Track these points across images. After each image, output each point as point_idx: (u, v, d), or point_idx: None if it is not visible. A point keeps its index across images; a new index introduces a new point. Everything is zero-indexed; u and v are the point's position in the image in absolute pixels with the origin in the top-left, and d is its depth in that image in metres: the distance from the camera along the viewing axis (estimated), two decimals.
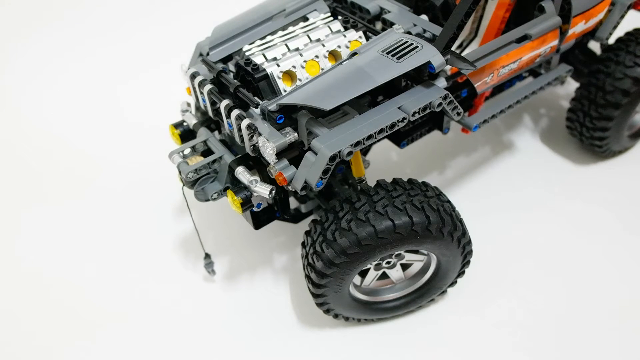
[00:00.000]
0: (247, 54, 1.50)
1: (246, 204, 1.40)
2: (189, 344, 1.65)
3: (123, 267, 1.87)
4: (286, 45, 1.48)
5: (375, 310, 1.59)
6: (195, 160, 1.48)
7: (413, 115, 1.33)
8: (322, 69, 1.46)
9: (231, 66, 1.59)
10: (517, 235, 1.85)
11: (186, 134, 1.65)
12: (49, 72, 2.77)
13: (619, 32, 1.97)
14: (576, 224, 1.87)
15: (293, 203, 1.72)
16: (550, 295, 1.69)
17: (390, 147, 2.20)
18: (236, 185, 1.43)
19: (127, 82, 2.68)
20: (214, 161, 1.46)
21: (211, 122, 1.63)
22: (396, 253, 1.46)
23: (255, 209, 1.45)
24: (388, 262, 1.50)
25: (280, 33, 1.55)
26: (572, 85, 2.35)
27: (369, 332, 1.64)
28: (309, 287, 1.47)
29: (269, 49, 1.48)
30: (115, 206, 2.08)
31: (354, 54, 1.39)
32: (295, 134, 1.33)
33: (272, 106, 1.31)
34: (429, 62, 1.34)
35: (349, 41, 1.49)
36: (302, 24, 1.57)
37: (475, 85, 1.54)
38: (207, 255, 1.72)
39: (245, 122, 1.32)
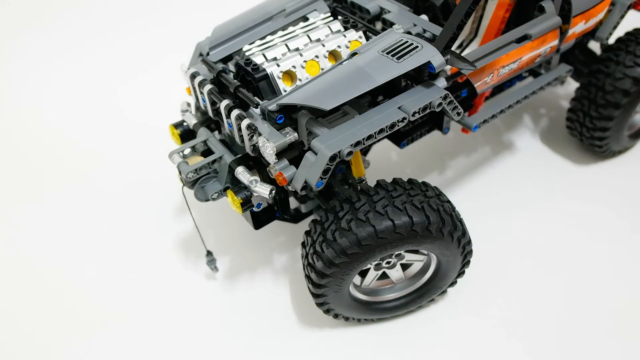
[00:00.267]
0: (247, 54, 1.50)
1: (246, 204, 1.40)
2: (189, 343, 1.65)
3: (123, 267, 1.87)
4: (286, 45, 1.48)
5: (375, 310, 1.59)
6: (195, 160, 1.48)
7: (413, 115, 1.33)
8: (322, 69, 1.46)
9: (231, 66, 1.59)
10: (517, 235, 1.86)
11: (186, 134, 1.65)
12: (49, 72, 2.77)
13: (619, 32, 1.97)
14: (576, 224, 1.87)
15: (293, 203, 1.72)
16: (550, 295, 1.69)
17: (390, 147, 2.20)
18: (236, 185, 1.43)
19: (127, 82, 2.68)
20: (214, 161, 1.46)
21: (211, 122, 1.63)
22: (396, 253, 1.46)
23: (255, 209, 1.45)
24: (388, 262, 1.50)
25: (280, 33, 1.55)
26: (572, 85, 2.35)
27: (369, 332, 1.64)
28: (309, 287, 1.47)
29: (269, 49, 1.48)
30: (116, 206, 2.08)
31: (354, 54, 1.39)
32: (295, 134, 1.33)
33: (272, 106, 1.31)
34: (429, 62, 1.34)
35: (349, 41, 1.49)
36: (302, 24, 1.57)
37: (475, 85, 1.54)
38: (209, 253, 1.72)
39: (245, 122, 1.32)
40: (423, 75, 1.42)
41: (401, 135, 1.72)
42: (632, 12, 1.93)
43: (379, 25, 1.67)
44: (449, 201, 1.45)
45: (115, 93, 2.63)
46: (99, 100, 2.60)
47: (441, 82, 1.44)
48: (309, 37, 1.51)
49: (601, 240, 1.82)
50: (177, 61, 2.16)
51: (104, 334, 1.69)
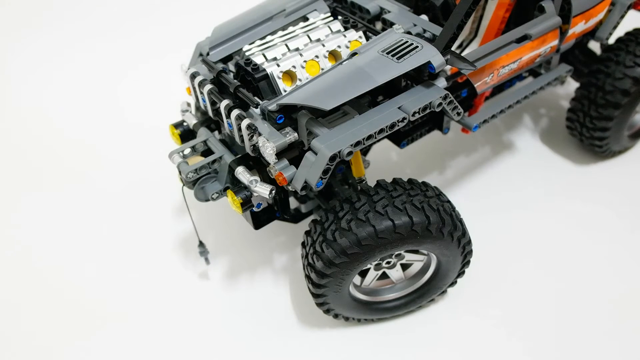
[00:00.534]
0: (247, 54, 1.50)
1: (246, 204, 1.40)
2: (188, 344, 1.65)
3: (123, 267, 1.87)
4: (286, 45, 1.48)
5: (375, 310, 1.59)
6: (195, 160, 1.48)
7: (413, 115, 1.33)
8: (322, 69, 1.46)
9: (231, 66, 1.59)
10: (517, 235, 1.86)
11: (186, 134, 1.65)
12: (49, 72, 2.77)
13: (619, 32, 1.97)
14: (576, 224, 1.87)
15: (293, 203, 1.72)
16: (550, 296, 1.68)
17: (390, 147, 2.20)
18: (236, 185, 1.43)
19: (127, 82, 2.68)
20: (214, 161, 1.46)
21: (211, 122, 1.63)
22: (396, 253, 1.46)
23: (255, 209, 1.45)
24: (388, 262, 1.50)
25: (280, 33, 1.55)
26: (572, 85, 2.35)
27: (369, 332, 1.64)
28: (309, 287, 1.47)
29: (269, 49, 1.48)
30: (116, 206, 2.08)
31: (354, 54, 1.39)
32: (295, 134, 1.33)
33: (272, 106, 1.31)
34: (429, 62, 1.34)
35: (349, 41, 1.49)
36: (302, 24, 1.57)
37: (475, 85, 1.54)
38: (201, 243, 1.71)
39: (245, 122, 1.32)
40: (423, 75, 1.42)
41: (401, 135, 1.72)
42: (632, 12, 1.93)
43: (379, 25, 1.67)
44: (449, 201, 1.45)
45: (115, 93, 2.63)
46: (99, 100, 2.60)
47: (441, 82, 1.44)
48: (309, 37, 1.51)
49: (601, 240, 1.82)
50: (177, 61, 2.16)
51: (104, 333, 1.69)
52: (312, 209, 1.70)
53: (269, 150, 1.29)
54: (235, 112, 1.35)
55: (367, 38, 1.53)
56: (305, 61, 1.44)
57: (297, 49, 1.48)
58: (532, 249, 1.81)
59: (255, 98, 1.38)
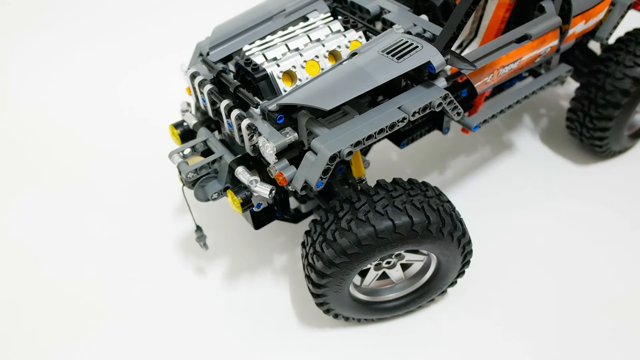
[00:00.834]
0: (247, 54, 1.50)
1: (246, 204, 1.40)
2: (188, 344, 1.65)
3: (123, 267, 1.87)
4: (286, 45, 1.48)
5: (375, 310, 1.59)
6: (195, 160, 1.48)
7: (413, 115, 1.33)
8: (322, 69, 1.46)
9: (231, 66, 1.59)
10: (517, 235, 1.86)
11: (186, 134, 1.65)
12: (50, 72, 2.77)
13: (619, 32, 1.97)
14: (576, 224, 1.87)
15: (293, 203, 1.72)
16: (550, 296, 1.69)
17: (390, 147, 2.20)
18: (236, 185, 1.43)
19: (127, 82, 2.68)
20: (214, 161, 1.46)
21: (211, 122, 1.63)
22: (396, 253, 1.46)
23: (255, 209, 1.45)
24: (388, 262, 1.50)
25: (280, 33, 1.55)
26: (572, 85, 2.35)
27: (369, 332, 1.64)
28: (309, 287, 1.47)
29: (269, 49, 1.48)
30: (115, 206, 2.08)
31: (354, 54, 1.39)
32: (295, 134, 1.33)
33: (272, 106, 1.31)
34: (429, 62, 1.34)
35: (349, 41, 1.49)
36: (302, 24, 1.57)
37: (475, 85, 1.54)
38: (199, 228, 1.69)
39: (245, 122, 1.32)
40: (423, 75, 1.42)
41: (401, 135, 1.72)
42: (632, 12, 1.93)
43: (379, 25, 1.67)
44: (449, 201, 1.45)
45: (115, 93, 2.63)
46: (99, 100, 2.60)
47: (441, 82, 1.44)
48: (309, 37, 1.51)
49: (601, 240, 1.82)
50: (177, 61, 2.16)
51: (104, 333, 1.69)
52: (312, 209, 1.70)
53: (269, 150, 1.29)
54: (235, 112, 1.35)
55: (367, 38, 1.53)
56: (305, 61, 1.44)
57: (297, 49, 1.48)
58: (532, 249, 1.81)
59: (255, 98, 1.38)
